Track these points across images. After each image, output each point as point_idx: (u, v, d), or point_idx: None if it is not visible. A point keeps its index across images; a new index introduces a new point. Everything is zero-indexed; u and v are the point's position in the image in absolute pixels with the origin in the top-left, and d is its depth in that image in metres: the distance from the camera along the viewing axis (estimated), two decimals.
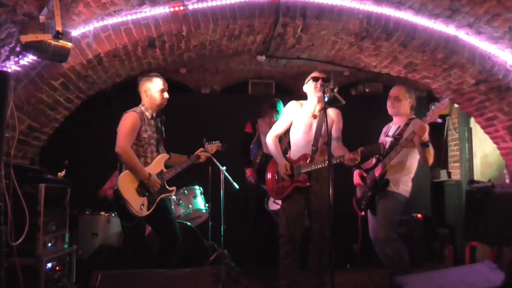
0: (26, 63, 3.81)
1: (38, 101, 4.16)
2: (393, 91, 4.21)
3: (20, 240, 2.91)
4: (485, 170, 5.96)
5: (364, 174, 4.15)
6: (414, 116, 4.14)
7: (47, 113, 4.42)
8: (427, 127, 3.67)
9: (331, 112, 3.99)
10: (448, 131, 6.74)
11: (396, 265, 3.81)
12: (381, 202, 3.98)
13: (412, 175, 4.06)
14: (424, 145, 3.75)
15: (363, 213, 4.23)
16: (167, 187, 3.85)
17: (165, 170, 3.86)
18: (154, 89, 3.82)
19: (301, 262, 3.92)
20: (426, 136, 3.70)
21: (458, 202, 6.11)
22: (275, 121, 5.32)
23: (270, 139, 4.04)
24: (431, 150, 3.81)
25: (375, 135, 4.44)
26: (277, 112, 5.37)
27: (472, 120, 5.82)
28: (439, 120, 3.82)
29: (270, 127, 5.36)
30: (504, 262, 4.31)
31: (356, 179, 4.21)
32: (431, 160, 3.86)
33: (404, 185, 3.99)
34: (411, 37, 4.33)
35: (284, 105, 4.12)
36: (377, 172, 3.97)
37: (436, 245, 6.15)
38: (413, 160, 4.04)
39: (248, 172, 5.37)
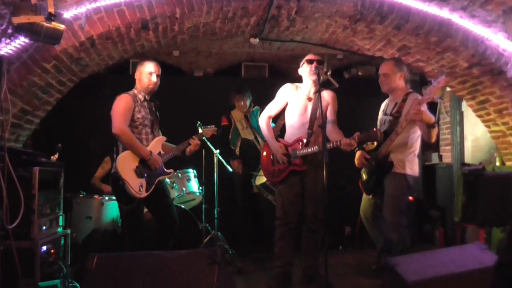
0: (18, 45, 3.77)
1: (31, 84, 4.13)
2: (381, 68, 4.15)
3: (15, 223, 2.90)
4: (476, 153, 6.02)
5: (367, 156, 4.09)
6: (410, 90, 4.08)
7: (40, 96, 4.39)
8: (423, 111, 3.64)
9: (326, 95, 3.98)
10: (439, 114, 6.77)
11: (397, 251, 3.79)
12: (389, 185, 3.94)
13: (417, 151, 4.03)
14: (430, 127, 3.72)
15: (371, 196, 4.22)
16: (165, 169, 3.88)
17: (162, 152, 3.88)
18: (143, 72, 3.84)
19: (295, 244, 3.96)
20: (430, 118, 3.66)
21: (449, 184, 6.18)
22: (247, 101, 5.40)
23: (263, 120, 4.02)
24: (436, 129, 3.78)
25: (368, 118, 4.46)
26: (243, 92, 5.46)
27: (464, 103, 5.85)
28: (436, 99, 3.82)
29: (243, 111, 5.41)
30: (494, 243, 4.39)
31: (359, 161, 4.16)
32: (434, 138, 3.83)
33: (410, 165, 3.94)
34: (405, 20, 4.33)
35: (277, 88, 4.11)
36: (381, 153, 3.94)
37: (427, 227, 6.23)
38: (415, 137, 3.98)
39: (236, 163, 5.40)
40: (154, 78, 3.85)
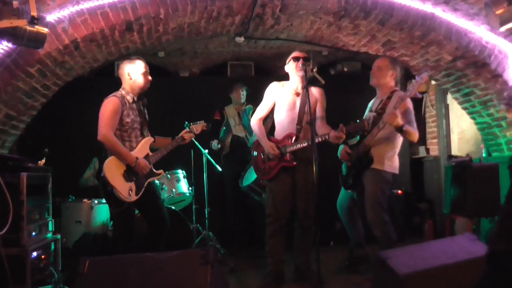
0: (1, 50, 3.73)
1: (15, 89, 4.07)
2: (377, 61, 4.19)
3: (4, 230, 2.87)
4: (463, 146, 6.08)
5: (349, 151, 4.12)
6: (396, 88, 4.13)
7: (24, 101, 4.34)
8: (398, 115, 3.67)
9: (315, 91, 4.01)
10: (425, 108, 6.83)
11: (383, 246, 3.83)
12: (368, 182, 3.98)
13: (397, 150, 4.07)
14: (398, 130, 3.76)
15: (349, 190, 4.24)
16: (154, 170, 3.84)
17: (150, 153, 3.84)
18: (138, 71, 3.75)
19: (287, 241, 3.97)
20: (398, 122, 3.69)
21: (437, 177, 6.24)
22: (244, 92, 5.55)
23: (254, 122, 4.04)
24: (410, 132, 3.79)
25: (355, 113, 4.47)
26: (242, 83, 5.63)
27: (449, 96, 5.91)
28: (419, 95, 3.85)
29: (239, 103, 5.43)
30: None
31: (341, 154, 4.18)
32: (414, 138, 3.86)
33: (389, 161, 3.99)
34: (389, 15, 4.36)
35: (263, 86, 4.12)
36: (362, 148, 3.97)
37: (416, 220, 6.28)
38: (398, 135, 4.00)
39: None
40: (149, 78, 3.81)
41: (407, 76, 6.43)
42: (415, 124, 3.93)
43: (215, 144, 5.44)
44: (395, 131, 3.89)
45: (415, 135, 3.86)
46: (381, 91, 4.17)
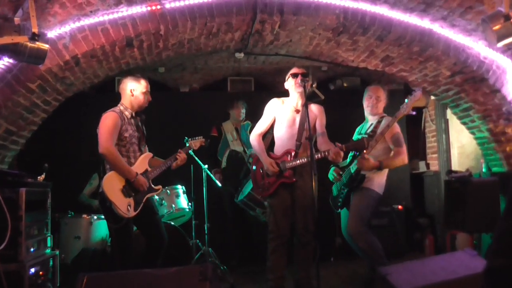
0: (2, 66, 3.75)
1: (15, 104, 4.09)
2: (375, 90, 4.26)
3: (2, 246, 2.87)
4: (463, 160, 6.08)
5: (340, 172, 4.18)
6: (385, 114, 4.22)
7: (25, 116, 4.35)
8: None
9: (314, 108, 4.02)
10: (425, 123, 6.85)
11: (371, 256, 3.91)
12: (355, 198, 4.05)
13: (386, 173, 4.12)
14: (378, 169, 3.92)
15: (339, 211, 4.28)
16: (153, 186, 3.83)
17: (149, 169, 3.84)
18: (140, 90, 3.80)
19: (288, 257, 3.95)
20: (373, 166, 3.84)
21: (437, 192, 6.22)
22: (244, 110, 5.51)
23: (254, 138, 4.05)
24: (392, 163, 3.95)
25: (354, 129, 4.49)
26: (242, 102, 5.60)
27: (449, 111, 5.93)
28: (413, 113, 3.93)
29: (238, 120, 5.45)
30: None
31: (334, 176, 4.22)
32: (398, 164, 3.99)
33: (378, 182, 4.06)
34: (387, 31, 4.39)
35: (263, 101, 4.14)
36: (353, 168, 4.01)
37: (417, 235, 6.26)
38: (387, 157, 4.07)
39: (216, 173, 5.42)
40: (149, 97, 3.86)
41: (406, 91, 6.45)
42: (404, 146, 4.04)
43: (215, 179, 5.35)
44: (385, 151, 4.04)
45: (398, 162, 3.98)
46: (371, 117, 4.26)
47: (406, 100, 3.84)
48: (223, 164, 5.55)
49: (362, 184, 3.99)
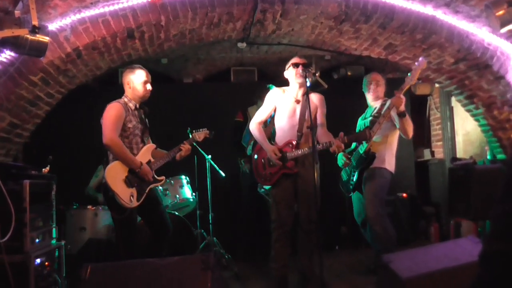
0: (3, 59, 3.77)
1: (18, 97, 4.11)
2: (373, 76, 4.36)
3: (7, 237, 2.89)
4: (467, 148, 6.05)
5: (349, 155, 4.15)
6: (386, 98, 4.26)
7: (28, 109, 4.38)
8: (403, 99, 3.84)
9: (315, 98, 3.97)
10: (430, 110, 6.82)
11: (384, 242, 3.95)
12: (368, 181, 4.09)
13: (394, 151, 4.20)
14: (401, 115, 3.90)
15: (351, 194, 4.30)
16: (156, 177, 3.84)
17: (152, 160, 3.85)
18: (136, 81, 3.77)
19: (291, 247, 3.96)
20: (402, 107, 3.86)
21: (442, 180, 6.20)
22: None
23: (254, 126, 4.03)
24: (409, 121, 3.98)
25: (358, 117, 4.48)
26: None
27: (453, 99, 5.89)
28: (419, 81, 3.99)
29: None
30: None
31: (343, 160, 4.19)
32: (410, 131, 4.02)
33: (389, 160, 4.13)
34: (390, 19, 4.36)
35: (267, 91, 4.13)
36: (361, 149, 4.06)
37: (422, 223, 6.25)
38: (394, 137, 4.20)
39: (246, 162, 5.37)
40: (149, 87, 3.82)
41: None
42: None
43: (246, 169, 5.35)
44: (390, 132, 4.13)
45: (411, 126, 4.03)
46: (375, 102, 4.34)
47: (409, 74, 3.91)
48: (248, 151, 5.49)
49: (373, 161, 4.03)
